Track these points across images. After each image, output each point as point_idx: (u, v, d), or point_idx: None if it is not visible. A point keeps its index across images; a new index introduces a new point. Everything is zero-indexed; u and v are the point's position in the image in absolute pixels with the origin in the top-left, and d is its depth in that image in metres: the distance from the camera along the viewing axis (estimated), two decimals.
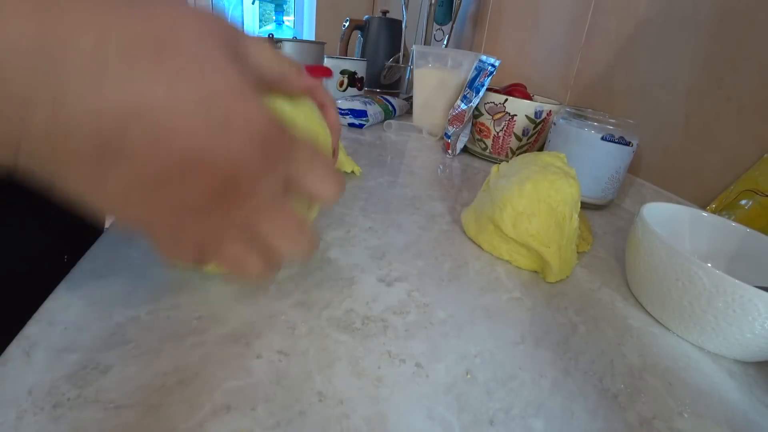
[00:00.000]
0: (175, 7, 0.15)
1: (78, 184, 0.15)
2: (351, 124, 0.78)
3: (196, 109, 0.14)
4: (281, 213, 0.19)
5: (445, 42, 1.07)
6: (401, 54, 1.12)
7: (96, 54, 0.12)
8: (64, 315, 0.23)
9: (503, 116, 0.63)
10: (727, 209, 0.43)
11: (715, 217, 0.36)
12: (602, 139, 0.48)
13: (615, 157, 0.49)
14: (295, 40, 0.91)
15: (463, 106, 0.65)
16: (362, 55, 1.21)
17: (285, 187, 0.18)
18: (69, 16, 0.12)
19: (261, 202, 0.17)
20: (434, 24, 1.08)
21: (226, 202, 0.16)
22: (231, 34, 0.17)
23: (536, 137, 0.65)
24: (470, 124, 0.67)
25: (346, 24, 1.22)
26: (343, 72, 1.01)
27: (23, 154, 0.13)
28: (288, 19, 2.23)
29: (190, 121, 0.14)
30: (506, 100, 0.63)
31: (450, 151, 0.68)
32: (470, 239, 0.39)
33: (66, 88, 0.12)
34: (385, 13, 1.19)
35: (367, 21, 1.20)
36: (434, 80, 0.77)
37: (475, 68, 0.66)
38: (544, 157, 0.38)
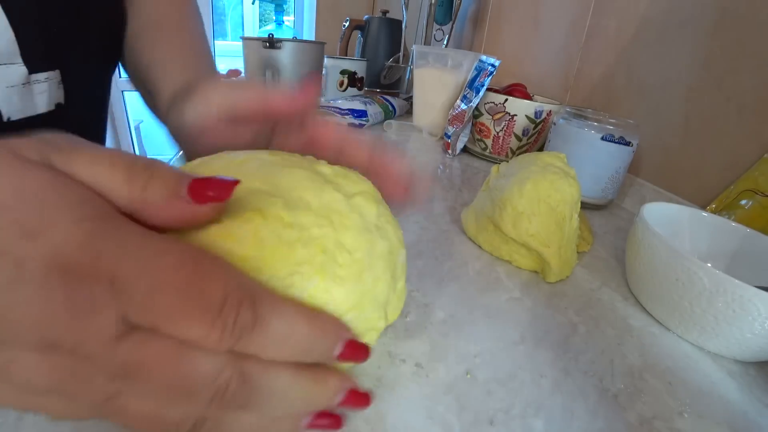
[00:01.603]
0: None
1: None
2: (351, 125, 0.78)
3: None
4: None
5: (445, 42, 1.07)
6: (401, 54, 1.12)
7: None
8: None
9: (503, 116, 0.63)
10: (727, 209, 0.43)
11: (715, 217, 0.36)
12: (602, 139, 0.48)
13: (615, 157, 0.49)
14: (295, 40, 0.91)
15: (463, 106, 0.65)
16: (362, 55, 1.21)
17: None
18: None
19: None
20: (434, 24, 1.08)
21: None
22: (40, 154, 0.13)
23: (536, 137, 0.65)
24: (470, 124, 0.67)
25: (346, 24, 1.22)
26: (343, 72, 1.01)
27: None
28: (288, 19, 2.23)
29: None
30: (506, 100, 0.63)
31: (450, 151, 0.68)
32: (470, 239, 0.39)
33: None
34: (385, 13, 1.19)
35: (367, 21, 1.20)
36: (434, 80, 0.77)
37: (475, 68, 0.66)
38: (544, 157, 0.38)
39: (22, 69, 0.27)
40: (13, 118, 0.28)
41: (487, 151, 0.68)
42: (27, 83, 0.28)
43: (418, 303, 0.28)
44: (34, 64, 0.28)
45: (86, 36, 0.33)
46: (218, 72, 0.37)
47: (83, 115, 0.35)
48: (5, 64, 0.26)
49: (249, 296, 0.12)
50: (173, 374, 0.12)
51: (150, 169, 0.13)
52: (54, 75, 0.30)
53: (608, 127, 0.49)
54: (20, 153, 0.12)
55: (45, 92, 0.30)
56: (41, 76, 0.29)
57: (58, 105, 0.31)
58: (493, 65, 0.62)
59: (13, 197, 0.12)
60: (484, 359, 0.24)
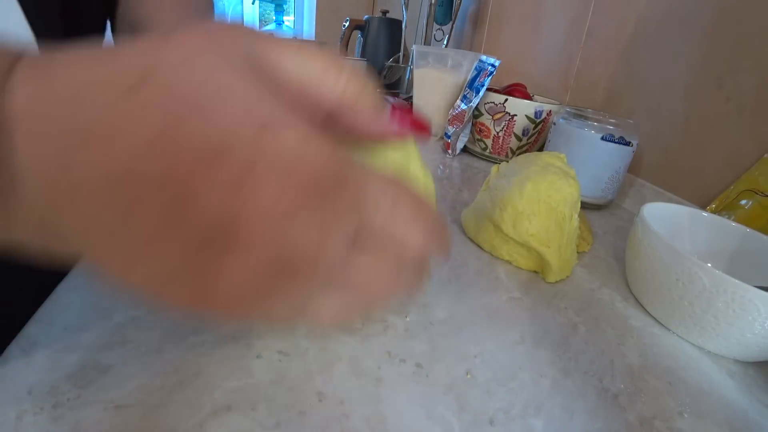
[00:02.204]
0: (157, 39, 0.12)
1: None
2: None
3: (204, 153, 0.10)
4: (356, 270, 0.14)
5: (445, 42, 1.07)
6: (401, 54, 1.12)
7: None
8: (64, 315, 0.23)
9: (503, 116, 0.63)
10: (727, 209, 0.43)
11: (715, 217, 0.36)
12: (602, 139, 0.48)
13: (615, 157, 0.49)
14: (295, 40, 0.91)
15: (463, 106, 0.65)
16: (362, 55, 1.21)
17: (351, 245, 0.13)
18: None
19: (322, 272, 0.13)
20: (434, 24, 1.07)
21: (287, 275, 0.12)
22: (240, 45, 0.12)
23: (536, 137, 0.65)
24: (470, 124, 0.67)
25: (346, 24, 1.22)
26: None
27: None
28: (288, 19, 2.23)
29: (200, 173, 0.10)
30: (506, 100, 0.62)
31: (450, 151, 0.68)
32: (470, 239, 0.39)
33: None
34: (385, 13, 1.19)
35: (367, 21, 1.20)
36: (434, 80, 0.77)
37: (475, 68, 0.66)
38: (545, 157, 0.38)
39: None
40: None
41: (487, 151, 0.68)
42: None
43: (418, 303, 0.28)
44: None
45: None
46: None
47: None
48: None
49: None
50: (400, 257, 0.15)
51: (360, 78, 0.14)
52: None
53: (608, 127, 0.49)
54: (229, 53, 0.12)
55: None
56: None
57: None
58: (493, 65, 0.62)
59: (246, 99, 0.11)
60: (484, 359, 0.24)
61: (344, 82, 0.13)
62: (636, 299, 0.34)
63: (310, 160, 0.11)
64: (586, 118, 0.51)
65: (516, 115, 0.63)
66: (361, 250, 0.14)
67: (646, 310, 0.32)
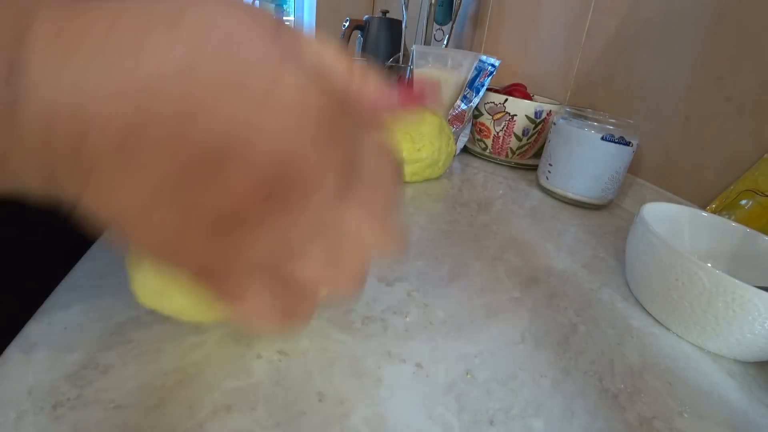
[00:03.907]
0: None
1: (93, 195, 0.12)
2: None
3: (227, 77, 0.11)
4: (340, 237, 0.14)
5: (445, 42, 1.07)
6: (401, 54, 1.12)
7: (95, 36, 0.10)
8: (64, 315, 0.23)
9: (503, 116, 0.63)
10: (727, 209, 0.43)
11: (715, 217, 0.36)
12: (602, 139, 0.48)
13: (615, 157, 0.49)
14: None
15: (463, 106, 0.65)
16: (362, 56, 1.21)
17: (345, 190, 0.14)
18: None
19: (319, 212, 0.13)
20: (434, 24, 1.07)
21: (279, 204, 0.12)
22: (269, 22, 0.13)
23: (536, 137, 0.65)
24: (470, 124, 0.67)
25: (346, 24, 1.22)
26: None
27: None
28: (288, 19, 2.23)
29: (220, 92, 0.11)
30: (506, 100, 0.62)
31: None
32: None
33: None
34: (385, 13, 1.19)
35: (367, 21, 1.20)
36: (434, 80, 0.77)
37: (475, 68, 0.66)
38: None
39: None
40: None
41: (487, 151, 0.68)
42: None
43: (418, 303, 0.28)
44: None
45: None
46: None
47: None
48: None
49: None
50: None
51: (365, 72, 0.15)
52: None
53: (608, 127, 0.49)
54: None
55: None
56: None
57: None
58: (493, 65, 0.62)
59: (263, 50, 0.12)
60: (484, 359, 0.24)
61: (353, 69, 0.15)
62: (636, 299, 0.34)
63: (320, 98, 0.12)
64: (586, 118, 0.51)
65: (516, 115, 0.63)
66: (345, 203, 0.14)
67: (646, 310, 0.32)
